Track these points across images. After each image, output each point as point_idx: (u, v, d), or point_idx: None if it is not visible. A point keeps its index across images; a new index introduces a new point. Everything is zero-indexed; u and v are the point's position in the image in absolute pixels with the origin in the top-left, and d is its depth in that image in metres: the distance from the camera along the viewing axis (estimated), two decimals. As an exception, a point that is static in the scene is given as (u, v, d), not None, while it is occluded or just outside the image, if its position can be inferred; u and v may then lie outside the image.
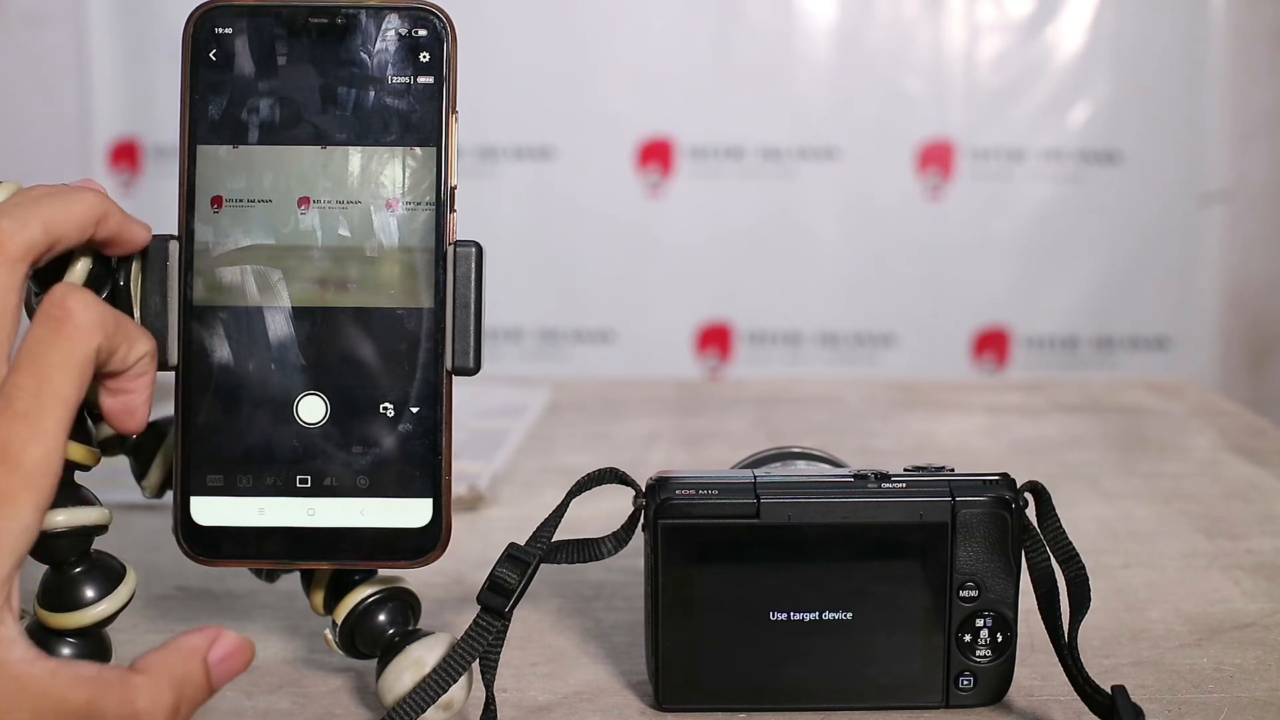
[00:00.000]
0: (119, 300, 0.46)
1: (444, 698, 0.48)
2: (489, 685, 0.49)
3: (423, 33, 0.47)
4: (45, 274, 0.45)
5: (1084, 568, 0.50)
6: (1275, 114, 2.10)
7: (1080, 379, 1.59)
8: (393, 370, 0.47)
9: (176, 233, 0.47)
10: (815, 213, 2.09)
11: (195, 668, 0.40)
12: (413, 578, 0.52)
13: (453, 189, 0.47)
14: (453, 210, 0.47)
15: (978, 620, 0.52)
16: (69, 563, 0.47)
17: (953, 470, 0.52)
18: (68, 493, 0.47)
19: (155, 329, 0.46)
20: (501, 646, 0.49)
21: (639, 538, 0.52)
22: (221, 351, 0.46)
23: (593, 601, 0.65)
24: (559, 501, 0.51)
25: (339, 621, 0.50)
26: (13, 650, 0.38)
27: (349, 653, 0.51)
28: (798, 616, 0.51)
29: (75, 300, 0.39)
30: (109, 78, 2.09)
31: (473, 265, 0.47)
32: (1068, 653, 0.50)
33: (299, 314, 0.47)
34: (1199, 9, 2.04)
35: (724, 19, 2.07)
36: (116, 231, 0.45)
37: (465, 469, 0.84)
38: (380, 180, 0.47)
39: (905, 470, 0.52)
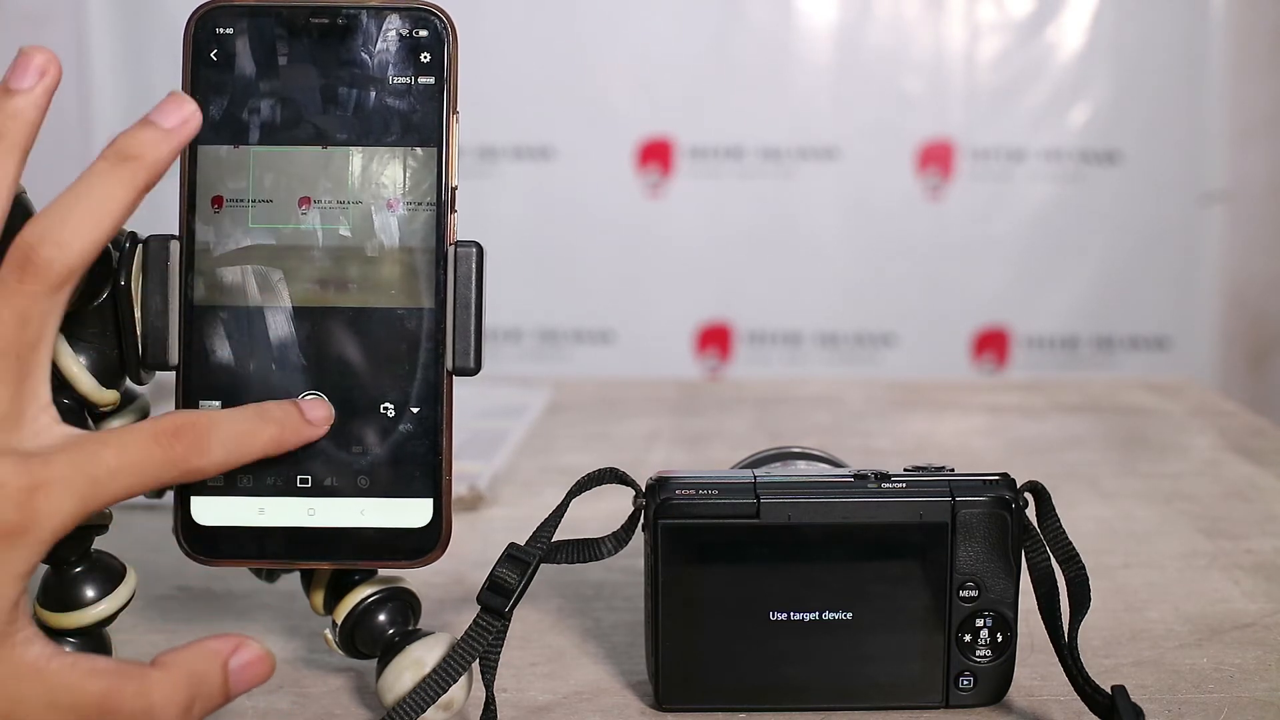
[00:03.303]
0: (119, 300, 0.47)
1: (444, 698, 0.48)
2: (489, 685, 0.49)
3: (423, 33, 0.47)
4: None
5: (1084, 568, 0.50)
6: (1275, 114, 2.10)
7: (1080, 379, 1.59)
8: (393, 370, 0.47)
9: (177, 233, 0.47)
10: (815, 213, 2.09)
11: (214, 670, 0.40)
12: (413, 578, 0.52)
13: (453, 189, 0.47)
14: (453, 210, 0.47)
15: (978, 620, 0.52)
16: (69, 562, 0.47)
17: (953, 470, 0.52)
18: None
19: (155, 329, 0.46)
20: (501, 646, 0.49)
21: (639, 538, 0.52)
22: (222, 352, 0.46)
23: (593, 601, 0.65)
24: (559, 501, 0.51)
25: (339, 621, 0.50)
26: (31, 647, 0.39)
27: (349, 653, 0.51)
28: (798, 616, 0.51)
29: None
30: (109, 78, 2.09)
31: (473, 265, 0.47)
32: (1068, 653, 0.50)
33: (299, 314, 0.47)
34: (1199, 9, 2.04)
35: (724, 19, 2.07)
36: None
37: (465, 469, 0.84)
38: (381, 180, 0.47)
39: (905, 470, 0.52)
